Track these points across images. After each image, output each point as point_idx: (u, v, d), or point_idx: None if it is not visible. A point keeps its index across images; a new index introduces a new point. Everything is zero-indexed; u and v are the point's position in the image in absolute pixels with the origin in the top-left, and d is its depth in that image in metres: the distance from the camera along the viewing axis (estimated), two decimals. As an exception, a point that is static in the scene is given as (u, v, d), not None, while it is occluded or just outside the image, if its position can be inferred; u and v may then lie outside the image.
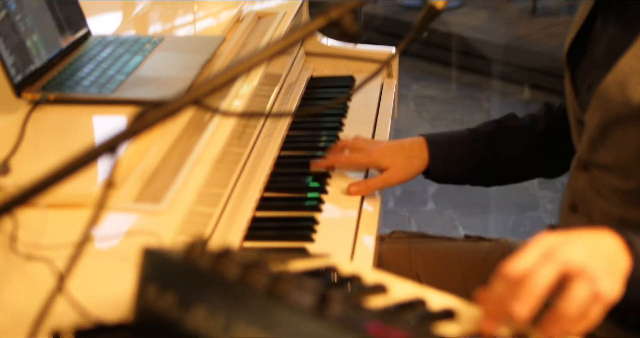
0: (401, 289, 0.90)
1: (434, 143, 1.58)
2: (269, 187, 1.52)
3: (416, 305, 0.86)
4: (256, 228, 1.39)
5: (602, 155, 1.30)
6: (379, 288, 0.89)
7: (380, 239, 1.70)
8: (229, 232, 1.32)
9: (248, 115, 1.43)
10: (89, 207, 1.08)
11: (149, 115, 0.83)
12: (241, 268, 0.76)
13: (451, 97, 4.54)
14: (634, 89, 1.21)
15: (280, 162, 1.61)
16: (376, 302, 0.86)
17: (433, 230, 3.36)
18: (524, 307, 0.81)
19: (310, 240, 1.36)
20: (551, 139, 1.61)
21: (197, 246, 0.79)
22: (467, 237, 1.71)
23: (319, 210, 1.46)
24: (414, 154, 1.57)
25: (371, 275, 0.93)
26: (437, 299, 0.88)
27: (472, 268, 1.62)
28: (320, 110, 1.77)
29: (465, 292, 1.59)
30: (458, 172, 1.62)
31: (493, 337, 0.80)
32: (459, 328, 0.83)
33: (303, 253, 0.97)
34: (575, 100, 1.37)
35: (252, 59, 0.93)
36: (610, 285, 0.85)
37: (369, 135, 1.76)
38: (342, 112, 1.83)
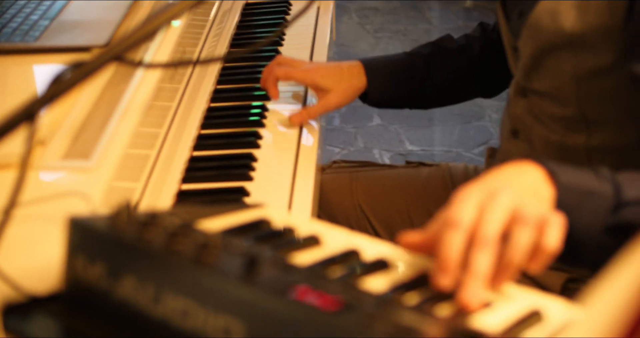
0: (334, 240, 0.90)
1: (372, 68, 1.57)
2: (205, 123, 1.50)
3: (349, 257, 0.86)
4: (194, 169, 1.37)
5: (537, 82, 1.30)
6: (312, 241, 0.88)
7: (322, 169, 1.69)
8: (167, 174, 1.30)
9: (174, 65, 1.40)
10: (14, 167, 1.05)
11: (68, 76, 0.80)
12: (167, 236, 0.75)
13: (394, 7, 4.50)
14: (565, 17, 1.20)
15: (216, 97, 1.59)
16: (309, 256, 0.85)
17: (379, 145, 3.38)
18: (486, 259, 0.79)
19: (249, 178, 1.35)
20: (487, 60, 1.61)
21: (123, 213, 0.78)
22: (408, 163, 1.72)
23: (256, 146, 1.44)
24: (353, 77, 1.56)
25: (305, 226, 0.92)
26: (370, 248, 0.88)
27: (413, 194, 1.63)
28: (253, 49, 1.74)
29: (408, 218, 1.61)
30: (396, 96, 1.62)
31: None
32: (390, 279, 0.83)
33: (237, 205, 0.96)
34: (507, 27, 1.36)
35: (173, 8, 0.90)
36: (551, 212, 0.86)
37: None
38: (278, 40, 1.81)
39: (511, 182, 0.89)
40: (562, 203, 0.93)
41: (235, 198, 1.29)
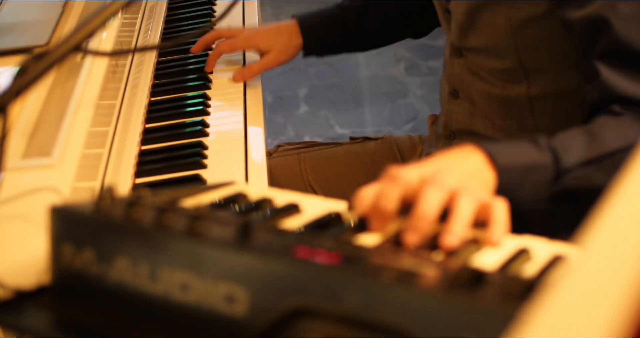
0: (313, 206, 0.91)
1: (307, 25, 1.64)
2: (149, 117, 1.49)
3: (332, 219, 0.87)
4: (145, 163, 1.36)
5: (473, 39, 1.33)
6: (293, 209, 0.89)
7: (268, 154, 1.70)
8: (119, 171, 1.29)
9: (123, 52, 1.39)
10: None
11: (31, 68, 0.80)
12: (155, 212, 0.75)
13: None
14: None
15: (156, 91, 1.58)
16: (293, 223, 0.86)
17: (310, 132, 3.40)
18: (415, 236, 0.81)
19: (203, 166, 1.35)
20: (416, 3, 1.65)
21: (106, 196, 0.78)
22: (352, 139, 1.74)
23: (204, 134, 1.44)
24: (291, 36, 1.63)
25: (280, 197, 0.93)
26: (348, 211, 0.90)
27: (362, 168, 1.65)
28: (186, 40, 1.74)
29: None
30: (332, 46, 1.71)
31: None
32: (376, 236, 0.84)
33: (210, 185, 0.96)
34: None
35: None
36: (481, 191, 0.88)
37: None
38: (208, 30, 1.80)
39: (454, 166, 0.91)
40: (504, 184, 0.95)
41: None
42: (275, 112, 3.54)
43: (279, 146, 1.75)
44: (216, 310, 0.70)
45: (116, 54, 1.40)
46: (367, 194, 0.85)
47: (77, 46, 0.84)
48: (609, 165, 1.01)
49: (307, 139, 3.34)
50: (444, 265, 0.70)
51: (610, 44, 1.10)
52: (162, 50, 1.70)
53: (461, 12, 1.31)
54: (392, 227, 0.86)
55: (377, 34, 1.72)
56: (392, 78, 3.60)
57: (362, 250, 0.73)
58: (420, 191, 0.83)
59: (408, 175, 0.85)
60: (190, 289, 0.72)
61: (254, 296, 0.69)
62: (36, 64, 0.80)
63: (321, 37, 1.66)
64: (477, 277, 0.65)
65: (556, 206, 0.98)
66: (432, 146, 1.56)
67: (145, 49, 1.28)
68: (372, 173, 1.65)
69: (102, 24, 0.88)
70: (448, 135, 1.48)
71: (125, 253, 0.75)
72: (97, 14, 0.88)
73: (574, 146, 1.01)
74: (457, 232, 0.79)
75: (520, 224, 0.95)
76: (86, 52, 0.96)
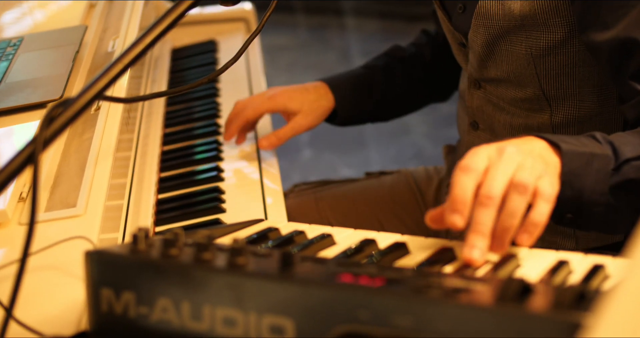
0: (345, 236, 0.91)
1: (336, 85, 1.57)
2: (164, 166, 1.49)
3: (367, 246, 0.86)
4: (164, 211, 1.36)
5: (492, 70, 1.33)
6: (327, 238, 0.89)
7: (284, 195, 1.70)
8: (138, 221, 1.29)
9: (142, 98, 1.39)
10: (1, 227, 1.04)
11: (57, 117, 0.80)
12: (193, 249, 0.75)
13: (302, 41, 4.54)
14: (512, 1, 1.23)
15: (167, 140, 1.58)
16: (330, 252, 0.86)
17: (316, 176, 3.39)
18: (489, 216, 0.83)
19: (221, 211, 1.34)
20: (439, 64, 1.63)
21: (141, 238, 0.78)
22: (368, 174, 1.73)
23: (220, 179, 1.44)
24: (320, 97, 1.54)
25: (312, 230, 0.93)
26: (381, 238, 0.89)
27: (381, 203, 1.65)
28: (196, 85, 1.75)
29: (380, 227, 1.62)
30: (362, 110, 1.62)
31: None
32: (415, 259, 0.84)
33: (239, 224, 0.96)
34: (450, 24, 1.39)
35: (141, 42, 0.91)
36: (550, 182, 0.89)
37: (247, 95, 1.75)
38: (214, 79, 1.81)
39: (518, 145, 0.93)
40: (567, 169, 0.96)
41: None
42: (279, 157, 3.54)
43: (295, 186, 1.74)
44: (264, 343, 0.70)
45: (132, 100, 1.41)
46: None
47: (101, 92, 0.85)
48: None
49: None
50: (489, 280, 0.70)
51: None
52: (172, 95, 1.69)
53: (480, 44, 1.31)
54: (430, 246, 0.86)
55: (402, 97, 1.65)
56: (394, 117, 3.61)
57: (403, 272, 0.72)
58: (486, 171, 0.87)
59: (478, 161, 0.88)
60: (235, 324, 0.72)
61: (301, 326, 0.69)
62: (62, 113, 0.81)
63: (351, 98, 1.56)
64: (525, 289, 0.65)
65: (617, 199, 1.00)
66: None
67: (158, 95, 1.29)
68: (391, 207, 1.66)
69: (124, 70, 0.89)
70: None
71: (166, 293, 0.75)
72: (118, 61, 0.88)
73: (630, 141, 1.03)
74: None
75: (582, 217, 0.97)
76: (106, 98, 0.96)
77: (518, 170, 0.86)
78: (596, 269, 0.77)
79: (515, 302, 0.62)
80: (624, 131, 1.09)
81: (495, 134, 1.39)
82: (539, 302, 0.62)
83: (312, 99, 1.53)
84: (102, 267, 0.78)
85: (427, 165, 1.71)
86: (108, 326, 0.78)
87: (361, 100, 1.60)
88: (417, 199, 1.64)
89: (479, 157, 0.88)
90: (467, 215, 0.83)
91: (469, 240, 0.82)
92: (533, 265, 0.80)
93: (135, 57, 0.90)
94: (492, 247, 0.83)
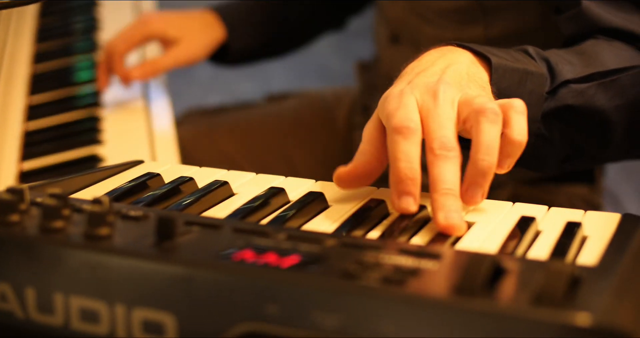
0: (243, 181, 0.71)
1: (228, 13, 1.35)
2: (35, 89, 1.29)
3: (273, 198, 0.67)
4: (32, 144, 1.16)
5: None
6: (221, 187, 0.69)
7: (177, 123, 1.47)
8: (2, 154, 1.11)
9: None
10: None
11: None
12: (40, 213, 0.55)
13: None
14: None
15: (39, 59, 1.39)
16: (224, 209, 0.66)
17: (214, 95, 3.17)
18: (453, 169, 0.64)
19: (98, 142, 1.16)
20: None
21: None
22: (270, 98, 1.54)
23: (99, 105, 1.24)
24: (206, 26, 1.32)
25: (202, 173, 0.73)
26: (291, 185, 0.70)
27: (285, 131, 1.45)
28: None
29: (287, 160, 1.42)
30: (257, 41, 1.41)
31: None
32: (336, 216, 0.65)
33: (109, 168, 0.75)
34: None
35: None
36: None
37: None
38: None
39: (443, 73, 0.73)
40: (496, 88, 0.77)
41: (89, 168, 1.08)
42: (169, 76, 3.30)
43: (188, 111, 1.52)
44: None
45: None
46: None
47: None
48: (612, 87, 0.85)
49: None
50: (445, 254, 0.51)
51: None
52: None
53: None
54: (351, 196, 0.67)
55: (299, 25, 1.44)
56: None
57: (325, 240, 0.53)
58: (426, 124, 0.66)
59: (412, 116, 0.66)
60: (97, 319, 0.52)
61: (185, 323, 0.50)
62: None
63: (246, 26, 1.35)
64: (497, 270, 0.47)
65: (549, 129, 0.82)
66: (370, 97, 1.34)
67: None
68: (298, 136, 1.45)
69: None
70: (389, 84, 1.27)
71: (3, 276, 0.55)
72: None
73: (569, 60, 0.86)
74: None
75: None
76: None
77: (475, 98, 0.67)
78: (572, 228, 0.59)
79: (486, 292, 0.44)
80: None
81: (420, 49, 1.20)
82: (518, 292, 0.44)
83: (196, 28, 1.30)
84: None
85: (334, 84, 1.49)
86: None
87: (257, 30, 1.38)
88: (325, 125, 1.44)
89: (409, 108, 0.67)
90: (419, 193, 0.63)
91: (439, 205, 0.61)
92: (488, 223, 0.62)
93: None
94: (467, 200, 0.64)
